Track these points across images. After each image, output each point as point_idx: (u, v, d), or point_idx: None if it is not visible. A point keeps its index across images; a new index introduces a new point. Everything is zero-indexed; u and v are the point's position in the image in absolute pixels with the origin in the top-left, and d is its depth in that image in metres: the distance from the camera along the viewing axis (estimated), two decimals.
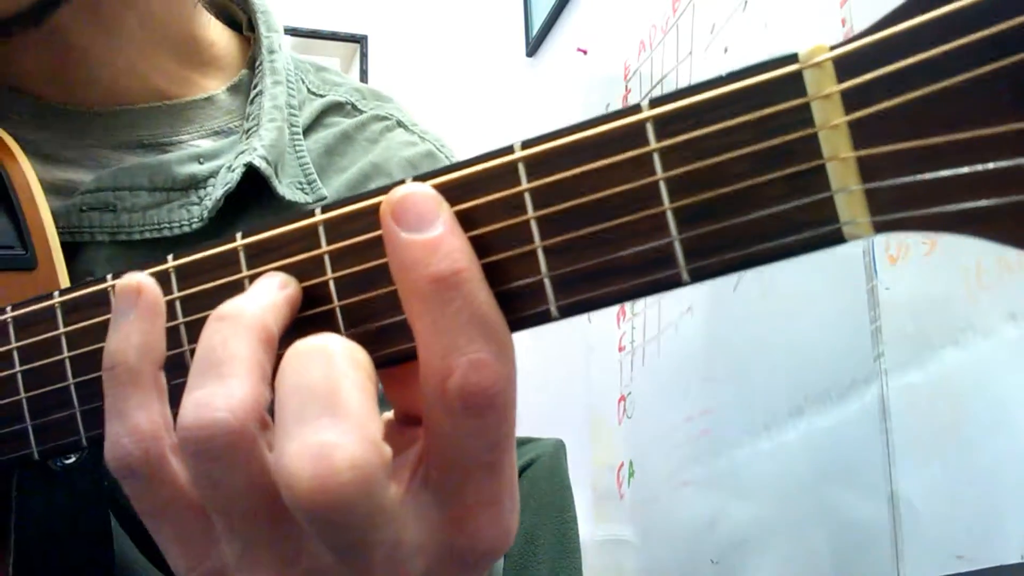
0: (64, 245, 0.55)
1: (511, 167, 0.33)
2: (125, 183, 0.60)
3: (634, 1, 1.88)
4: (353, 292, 0.35)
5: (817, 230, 0.29)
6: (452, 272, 0.32)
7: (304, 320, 0.35)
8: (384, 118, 0.70)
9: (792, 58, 0.29)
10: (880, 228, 0.28)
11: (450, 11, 2.93)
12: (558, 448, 1.22)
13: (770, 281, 1.34)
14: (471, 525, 0.34)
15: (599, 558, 1.77)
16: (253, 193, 0.61)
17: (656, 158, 0.31)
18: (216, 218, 0.59)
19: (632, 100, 1.88)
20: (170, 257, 0.38)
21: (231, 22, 0.72)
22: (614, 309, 1.83)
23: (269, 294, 0.34)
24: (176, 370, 0.37)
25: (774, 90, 0.29)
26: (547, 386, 2.12)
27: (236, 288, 0.36)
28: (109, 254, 0.59)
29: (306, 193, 0.62)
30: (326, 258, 0.35)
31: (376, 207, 0.33)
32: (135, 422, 0.34)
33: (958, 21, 0.26)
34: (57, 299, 0.40)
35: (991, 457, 0.98)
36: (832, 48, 0.29)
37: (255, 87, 0.66)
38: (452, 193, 0.33)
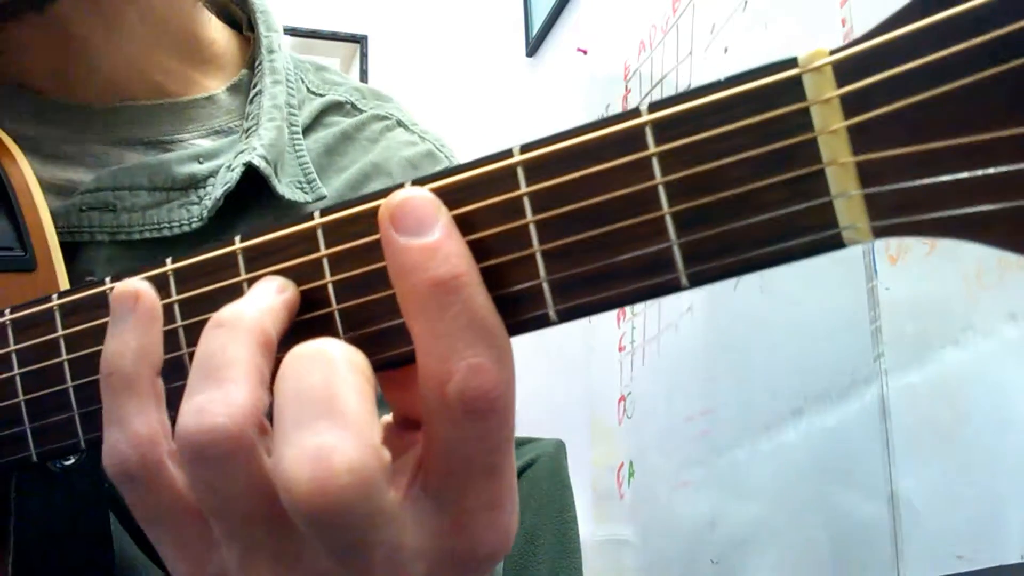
0: (64, 245, 0.55)
1: (510, 171, 0.32)
2: (125, 183, 0.60)
3: (634, 1, 1.88)
4: (352, 296, 0.35)
5: (816, 235, 0.29)
6: (451, 277, 0.32)
7: (303, 324, 0.35)
8: (384, 117, 0.70)
9: (791, 62, 0.29)
10: (879, 233, 0.28)
11: (450, 11, 2.93)
12: (558, 448, 1.22)
13: (770, 281, 1.34)
14: (471, 529, 0.34)
15: (599, 558, 1.77)
16: (253, 192, 0.61)
17: (655, 162, 0.31)
18: (216, 218, 0.59)
19: (632, 100, 1.88)
20: (168, 260, 0.38)
21: (231, 22, 0.72)
22: (615, 309, 1.83)
23: (267, 298, 0.34)
24: (175, 373, 0.37)
25: (773, 95, 0.29)
26: (547, 386, 2.12)
27: (235, 291, 0.36)
28: (109, 254, 0.59)
29: (306, 192, 0.62)
30: (325, 262, 0.35)
31: (375, 211, 0.33)
32: (133, 428, 0.34)
33: (957, 26, 0.26)
34: (56, 302, 0.40)
35: (991, 457, 0.98)
36: (832, 52, 0.29)
37: (254, 86, 0.66)
38: (451, 197, 0.33)
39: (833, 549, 1.21)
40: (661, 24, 1.76)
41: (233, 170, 0.60)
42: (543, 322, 0.33)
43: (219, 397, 0.32)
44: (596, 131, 0.31)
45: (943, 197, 0.27)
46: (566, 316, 0.32)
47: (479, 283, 0.32)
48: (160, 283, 0.37)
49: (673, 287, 0.31)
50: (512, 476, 0.34)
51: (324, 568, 0.33)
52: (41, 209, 0.54)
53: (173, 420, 0.33)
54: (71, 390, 0.40)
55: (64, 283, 0.53)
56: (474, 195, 0.33)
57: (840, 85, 0.28)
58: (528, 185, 0.32)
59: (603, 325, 1.88)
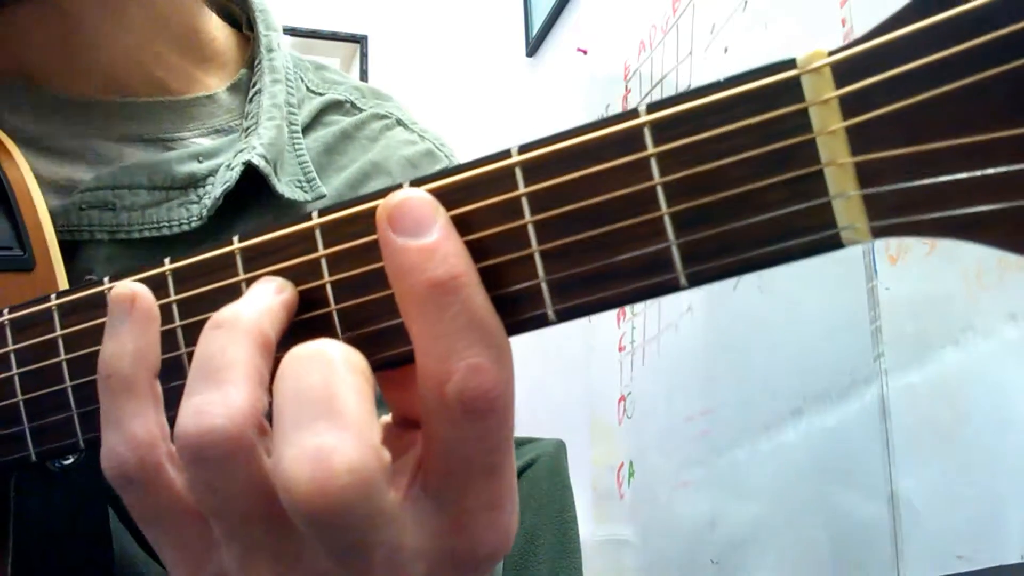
0: (63, 243, 0.55)
1: (508, 171, 0.32)
2: (124, 181, 0.60)
3: (634, 1, 1.88)
4: (350, 296, 0.35)
5: (815, 235, 0.29)
6: (449, 277, 0.32)
7: (301, 324, 0.35)
8: (384, 116, 0.70)
9: (790, 63, 0.29)
10: (878, 233, 0.28)
11: (450, 11, 2.93)
12: (558, 448, 1.22)
13: (770, 281, 1.34)
14: (471, 529, 0.33)
15: (599, 558, 1.77)
16: (252, 192, 0.60)
17: (653, 163, 0.31)
18: (215, 217, 0.59)
19: (632, 100, 1.88)
20: (167, 260, 0.38)
21: (231, 21, 0.72)
22: (614, 310, 1.83)
23: (265, 299, 0.34)
24: (174, 373, 0.37)
25: (772, 95, 0.29)
26: (547, 386, 2.12)
27: (233, 291, 0.36)
28: (108, 252, 0.59)
29: (305, 191, 0.62)
30: (323, 262, 0.35)
31: (373, 211, 0.33)
32: (131, 431, 0.34)
33: (955, 27, 0.26)
34: (54, 301, 0.40)
35: (991, 457, 0.98)
36: (830, 53, 0.29)
37: (254, 85, 0.66)
38: (449, 198, 0.33)
39: (833, 549, 1.22)
40: (661, 24, 1.76)
41: (233, 169, 0.60)
42: (542, 322, 0.33)
43: (218, 398, 0.32)
44: (594, 131, 0.31)
45: (942, 197, 0.27)
46: (565, 316, 0.32)
47: (477, 283, 0.32)
48: (158, 283, 0.37)
49: (672, 287, 0.31)
50: (512, 476, 0.34)
51: (324, 568, 0.33)
52: (40, 208, 0.54)
53: (173, 420, 0.33)
54: (70, 390, 0.40)
55: (63, 283, 0.53)
56: (472, 195, 0.33)
57: (839, 86, 0.28)
58: (526, 185, 0.32)
59: (603, 325, 1.88)
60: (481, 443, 0.32)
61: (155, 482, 0.34)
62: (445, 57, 2.91)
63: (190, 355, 0.36)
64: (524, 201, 0.32)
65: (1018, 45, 0.25)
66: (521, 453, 1.16)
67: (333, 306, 0.35)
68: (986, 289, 0.98)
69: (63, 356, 0.40)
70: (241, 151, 0.61)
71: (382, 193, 0.34)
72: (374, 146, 0.68)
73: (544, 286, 0.32)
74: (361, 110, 0.70)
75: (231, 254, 0.37)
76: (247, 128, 0.64)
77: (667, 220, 0.30)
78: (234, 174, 0.59)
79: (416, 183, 0.34)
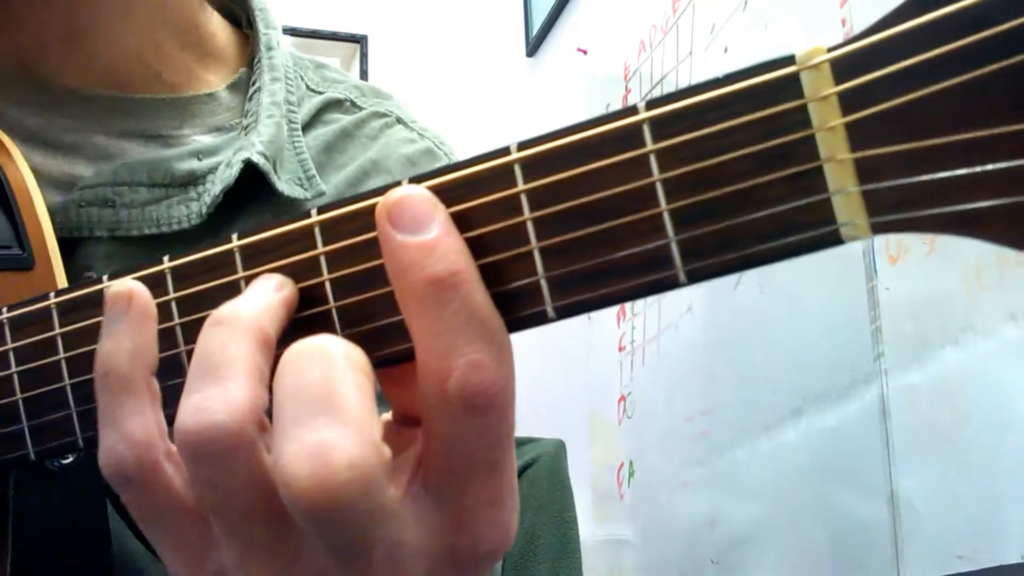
0: (62, 240, 0.54)
1: (507, 168, 0.32)
2: (124, 178, 0.60)
3: (634, 1, 1.88)
4: (349, 293, 0.35)
5: (814, 231, 0.29)
6: (449, 274, 0.31)
7: (300, 321, 0.35)
8: (383, 115, 0.70)
9: (789, 60, 0.29)
10: (878, 229, 0.28)
11: (450, 11, 2.94)
12: (558, 448, 1.22)
13: (770, 281, 1.34)
14: (472, 526, 0.33)
15: (599, 558, 1.77)
16: (252, 189, 0.60)
17: (653, 159, 0.30)
18: (215, 214, 0.59)
19: (632, 100, 1.88)
20: (166, 258, 0.38)
21: (231, 19, 0.72)
22: (614, 309, 1.83)
23: (266, 296, 0.34)
24: (173, 371, 0.37)
25: (771, 92, 0.29)
26: (547, 386, 2.12)
27: (232, 289, 0.36)
28: (108, 249, 0.59)
29: (305, 189, 0.62)
30: (322, 259, 0.35)
31: (372, 208, 0.33)
32: (129, 429, 0.34)
33: (955, 23, 0.26)
34: (53, 300, 0.40)
35: (991, 457, 0.98)
36: (829, 50, 0.29)
37: (253, 83, 0.66)
38: (448, 194, 0.33)
39: (833, 549, 1.22)
40: (661, 24, 1.76)
41: (232, 167, 0.60)
42: (541, 319, 0.33)
43: (218, 395, 0.32)
44: (594, 128, 0.31)
45: (941, 194, 0.27)
46: (564, 313, 0.32)
47: (477, 280, 0.32)
48: (157, 281, 0.37)
49: (671, 284, 0.31)
50: (512, 473, 0.34)
51: (323, 565, 0.33)
52: (39, 206, 0.54)
53: (172, 418, 0.33)
54: (68, 388, 0.40)
55: (62, 282, 0.53)
56: (471, 192, 0.33)
57: (838, 82, 0.28)
58: (525, 182, 0.32)
59: (603, 325, 1.88)
60: (482, 440, 0.32)
61: (153, 481, 0.34)
62: (445, 57, 2.92)
63: (189, 353, 0.36)
64: (523, 198, 0.32)
65: (1017, 41, 0.25)
66: (521, 453, 1.16)
67: (332, 303, 0.35)
68: (986, 289, 0.98)
69: (62, 354, 0.40)
70: (240, 149, 0.61)
71: (381, 190, 0.34)
72: (374, 144, 0.68)
73: (543, 283, 0.32)
74: (361, 108, 0.70)
75: (230, 252, 0.37)
76: (247, 126, 0.64)
77: (666, 216, 0.30)
78: (233, 172, 0.59)
79: (415, 180, 0.34)
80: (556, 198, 0.32)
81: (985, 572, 0.97)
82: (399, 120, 0.71)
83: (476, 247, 0.32)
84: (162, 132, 0.63)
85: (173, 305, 0.37)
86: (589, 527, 1.69)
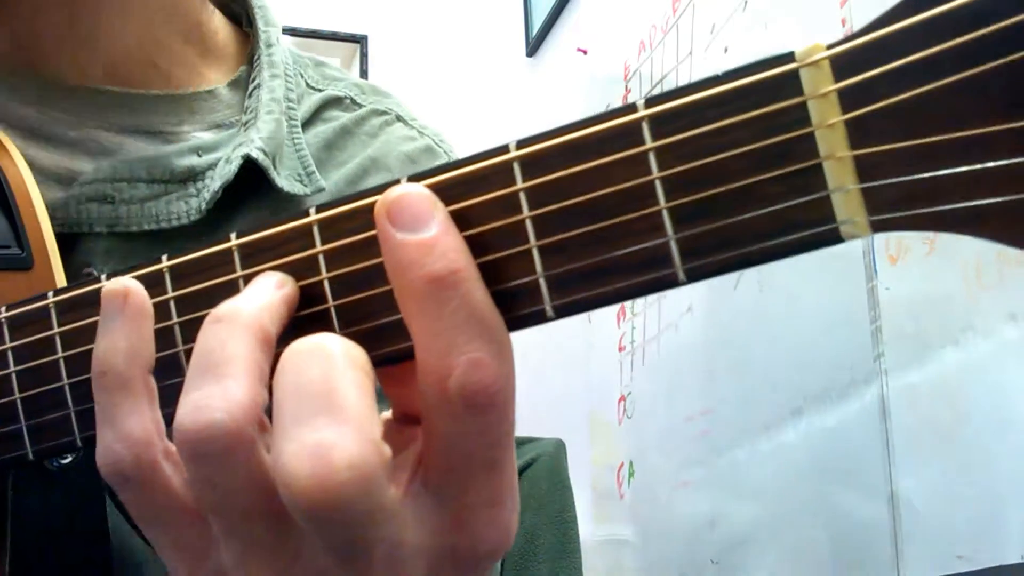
0: (61, 236, 0.54)
1: (506, 166, 0.32)
2: (123, 174, 0.60)
3: (634, 1, 1.88)
4: (349, 292, 0.35)
5: (814, 229, 0.29)
6: (448, 272, 0.31)
7: (300, 320, 0.35)
8: (383, 112, 0.70)
9: (789, 57, 0.29)
10: (877, 227, 0.28)
11: (450, 11, 2.94)
12: (558, 448, 1.22)
13: (770, 281, 1.34)
14: (472, 525, 0.33)
15: (599, 558, 1.77)
16: (251, 186, 0.60)
17: (652, 157, 0.30)
18: (214, 210, 0.59)
19: (632, 100, 1.88)
20: (164, 257, 0.38)
21: (231, 18, 0.72)
22: (614, 309, 1.84)
23: (266, 294, 0.34)
24: (171, 370, 0.37)
25: (771, 89, 0.29)
26: (547, 386, 2.12)
27: (231, 288, 0.36)
28: (107, 245, 0.58)
29: (304, 185, 0.62)
30: (321, 258, 0.35)
31: (371, 206, 0.33)
32: (127, 429, 0.34)
33: (954, 21, 0.26)
34: (51, 299, 0.40)
35: (991, 457, 0.98)
36: (829, 47, 0.28)
37: (253, 80, 0.66)
38: (447, 193, 0.33)
39: (833, 549, 1.21)
40: (661, 24, 1.76)
41: (231, 163, 0.60)
42: (540, 318, 0.33)
43: (218, 393, 0.31)
44: (593, 126, 0.31)
45: (941, 191, 0.27)
46: (563, 312, 0.32)
47: (477, 278, 0.32)
48: (156, 280, 0.37)
49: (670, 282, 0.31)
50: (512, 472, 0.34)
51: (323, 565, 0.33)
52: (38, 206, 0.54)
53: (171, 417, 0.33)
54: (67, 388, 0.40)
55: (61, 281, 0.53)
56: (470, 191, 0.33)
57: (837, 79, 0.28)
58: (524, 181, 0.32)
59: (603, 325, 1.88)
60: (482, 438, 0.32)
61: (151, 480, 0.34)
62: (445, 57, 2.92)
63: (188, 352, 0.36)
64: (522, 196, 0.32)
65: (1016, 38, 0.25)
66: (521, 453, 1.16)
67: (331, 302, 0.35)
68: (986, 289, 0.98)
69: (60, 354, 0.40)
70: (240, 145, 0.61)
71: (380, 189, 0.33)
72: (373, 142, 0.68)
73: (542, 281, 0.32)
74: (361, 106, 0.70)
75: (228, 251, 0.36)
76: (246, 122, 0.64)
77: (665, 215, 0.30)
78: (233, 167, 0.59)
79: (414, 178, 0.34)
80: (555, 196, 0.32)
81: (985, 572, 0.97)
82: (399, 118, 0.71)
83: (475, 245, 0.32)
84: (162, 128, 0.63)
85: (171, 304, 0.37)
86: (589, 527, 1.69)
